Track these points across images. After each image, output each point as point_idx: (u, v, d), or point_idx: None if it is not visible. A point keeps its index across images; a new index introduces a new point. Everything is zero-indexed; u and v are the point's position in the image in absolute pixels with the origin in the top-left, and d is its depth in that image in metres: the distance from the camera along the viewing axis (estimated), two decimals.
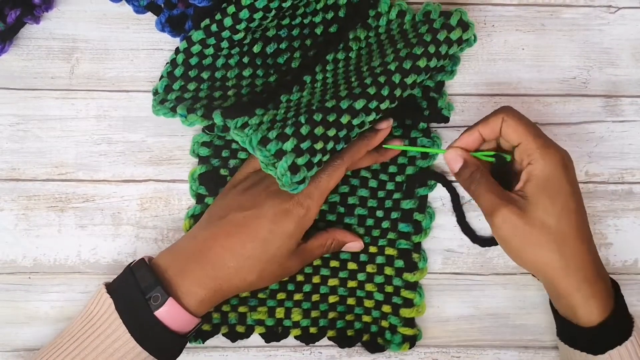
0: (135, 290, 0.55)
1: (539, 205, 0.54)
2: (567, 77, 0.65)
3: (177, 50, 0.60)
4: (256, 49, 0.61)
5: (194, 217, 0.62)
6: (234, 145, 0.63)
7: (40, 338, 0.62)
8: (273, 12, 0.58)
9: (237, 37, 0.59)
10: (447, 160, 0.57)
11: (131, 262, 0.58)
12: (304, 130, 0.53)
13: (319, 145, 0.54)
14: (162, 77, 0.60)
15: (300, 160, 0.53)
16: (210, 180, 0.62)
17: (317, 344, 0.64)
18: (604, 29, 0.65)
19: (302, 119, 0.54)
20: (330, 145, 0.54)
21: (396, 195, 0.63)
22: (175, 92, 0.59)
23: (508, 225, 0.54)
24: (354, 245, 0.62)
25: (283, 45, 0.62)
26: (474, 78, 0.64)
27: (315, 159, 0.54)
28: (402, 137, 0.62)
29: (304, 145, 0.53)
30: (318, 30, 0.62)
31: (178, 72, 0.60)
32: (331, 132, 0.54)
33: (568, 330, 0.57)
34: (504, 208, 0.54)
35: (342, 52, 0.61)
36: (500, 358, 0.64)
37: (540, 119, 0.65)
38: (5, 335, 0.62)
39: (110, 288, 0.56)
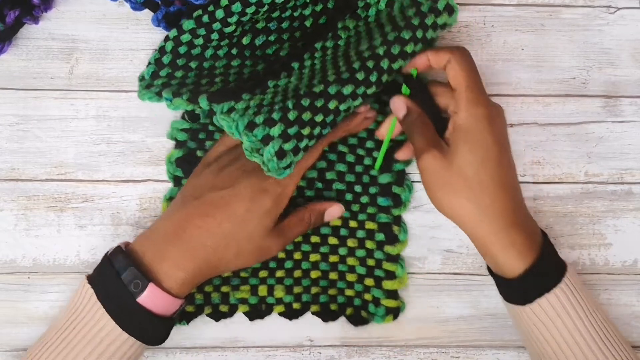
0: (115, 278, 0.55)
1: (458, 153, 0.55)
2: (567, 77, 0.65)
3: (166, 38, 0.60)
4: (245, 40, 0.61)
5: (172, 200, 0.62)
6: (210, 127, 0.62)
7: (39, 338, 0.62)
8: (266, 7, 0.58)
9: (227, 30, 0.59)
10: (392, 107, 0.59)
11: (108, 250, 0.57)
12: (291, 115, 0.53)
13: (306, 131, 0.53)
14: (149, 63, 0.60)
15: (287, 146, 0.53)
16: (187, 162, 0.62)
17: (316, 344, 0.64)
18: (604, 29, 0.65)
19: (290, 104, 0.54)
20: (317, 130, 0.54)
21: (373, 172, 0.63)
22: (161, 79, 0.59)
23: (430, 169, 0.55)
24: (334, 210, 0.61)
25: (272, 38, 0.62)
26: None
27: (302, 144, 0.54)
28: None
29: (292, 130, 0.53)
30: (307, 23, 0.62)
31: (166, 59, 0.60)
32: (318, 118, 0.54)
33: (499, 285, 0.58)
34: (429, 152, 0.55)
35: (331, 40, 0.60)
36: (499, 358, 0.64)
37: (540, 119, 0.65)
38: (4, 335, 0.62)
39: (91, 278, 0.56)
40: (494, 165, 0.55)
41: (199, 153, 0.62)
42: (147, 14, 0.62)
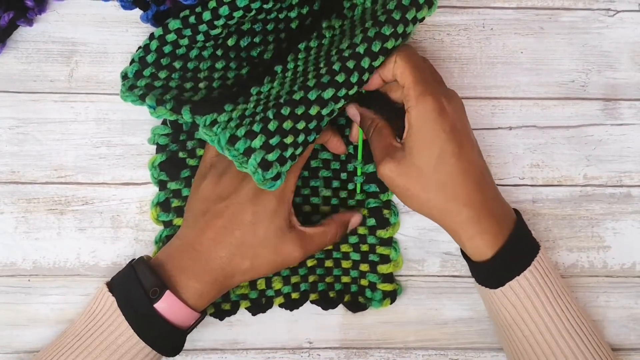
0: (136, 285, 0.55)
1: (414, 153, 0.55)
2: (566, 80, 0.65)
3: (151, 36, 0.59)
4: (230, 42, 0.61)
5: (160, 205, 0.62)
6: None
7: (40, 340, 0.63)
8: (253, 12, 0.58)
9: (214, 32, 0.59)
10: (349, 115, 0.60)
11: (132, 260, 0.58)
12: (272, 126, 0.53)
13: (289, 140, 0.53)
14: (133, 61, 0.59)
15: (271, 157, 0.52)
16: (170, 165, 0.62)
17: (315, 345, 0.64)
18: (603, 32, 0.65)
19: (271, 114, 0.53)
20: (301, 138, 0.54)
21: (357, 163, 0.63)
22: (145, 79, 0.58)
23: (388, 178, 0.56)
24: (356, 219, 0.62)
25: (257, 39, 0.61)
26: (473, 81, 0.64)
27: (287, 153, 0.53)
28: None
29: (273, 141, 0.53)
30: (293, 25, 0.62)
31: (150, 58, 0.59)
32: (300, 125, 0.54)
33: (471, 268, 0.59)
34: (384, 163, 0.56)
35: (315, 39, 0.60)
36: None
37: (539, 122, 0.65)
38: (5, 338, 0.63)
39: (112, 285, 0.57)
40: (453, 160, 0.55)
41: (181, 154, 0.63)
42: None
